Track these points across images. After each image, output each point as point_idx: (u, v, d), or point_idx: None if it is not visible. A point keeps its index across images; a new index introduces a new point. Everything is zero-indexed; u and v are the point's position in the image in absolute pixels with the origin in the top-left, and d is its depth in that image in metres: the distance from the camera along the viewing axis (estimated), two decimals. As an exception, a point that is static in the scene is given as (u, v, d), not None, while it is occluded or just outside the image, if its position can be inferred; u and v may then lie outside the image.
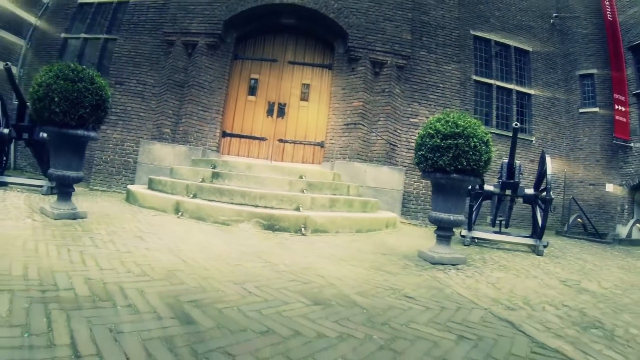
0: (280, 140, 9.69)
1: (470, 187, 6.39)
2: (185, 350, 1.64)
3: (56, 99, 4.08)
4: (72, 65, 4.32)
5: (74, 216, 4.51)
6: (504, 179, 6.61)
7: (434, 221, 4.48)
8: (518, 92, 12.64)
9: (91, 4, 12.63)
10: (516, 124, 5.90)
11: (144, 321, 1.87)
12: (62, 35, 12.40)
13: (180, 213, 5.73)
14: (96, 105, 4.37)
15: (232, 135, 9.79)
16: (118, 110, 9.62)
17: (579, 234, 10.82)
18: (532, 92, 12.68)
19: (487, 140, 4.29)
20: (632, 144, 11.84)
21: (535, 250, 6.08)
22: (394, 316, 2.42)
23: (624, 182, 11.93)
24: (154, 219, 5.33)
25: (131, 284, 2.38)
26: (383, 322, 2.30)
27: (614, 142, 11.93)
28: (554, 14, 13.33)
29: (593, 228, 10.85)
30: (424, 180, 8.99)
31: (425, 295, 2.98)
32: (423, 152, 4.32)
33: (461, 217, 4.42)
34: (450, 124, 4.21)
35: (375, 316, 2.38)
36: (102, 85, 4.46)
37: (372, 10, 9.51)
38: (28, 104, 6.86)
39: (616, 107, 11.85)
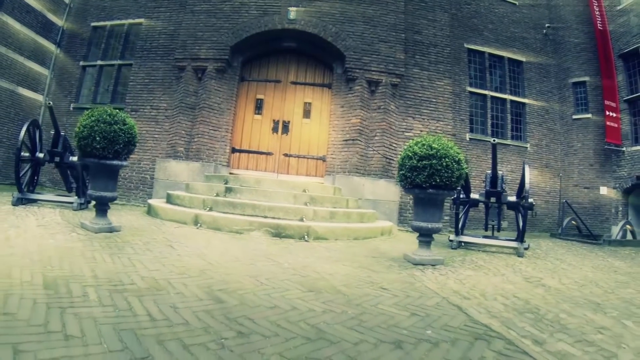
0: (286, 155, 10.74)
1: (455, 196, 7.37)
2: (221, 317, 2.62)
3: (97, 138, 5.17)
4: (108, 110, 5.46)
5: (111, 230, 5.53)
6: (487, 188, 7.57)
7: (416, 229, 5.45)
8: (512, 101, 13.58)
9: (104, 27, 13.81)
10: (494, 140, 6.85)
11: (191, 302, 2.86)
12: (81, 63, 13.72)
13: (199, 224, 6.77)
14: (128, 142, 5.48)
15: (240, 151, 10.86)
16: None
17: (573, 236, 11.64)
18: (526, 100, 13.60)
19: (459, 159, 5.22)
20: (624, 148, 12.69)
21: (517, 253, 6.95)
22: (367, 300, 3.37)
23: (617, 185, 12.78)
24: (176, 230, 6.36)
25: (175, 280, 3.36)
26: (357, 303, 3.25)
27: (606, 147, 12.76)
28: (547, 25, 14.24)
29: (587, 230, 11.70)
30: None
31: (398, 287, 3.93)
32: (403, 172, 5.30)
33: (438, 225, 5.37)
34: (425, 146, 5.17)
35: (352, 300, 3.34)
36: (132, 125, 5.58)
37: (367, 33, 10.52)
38: (62, 132, 8.05)
39: (607, 113, 12.71)
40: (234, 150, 10.89)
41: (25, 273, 3.11)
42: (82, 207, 7.89)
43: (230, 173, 10.50)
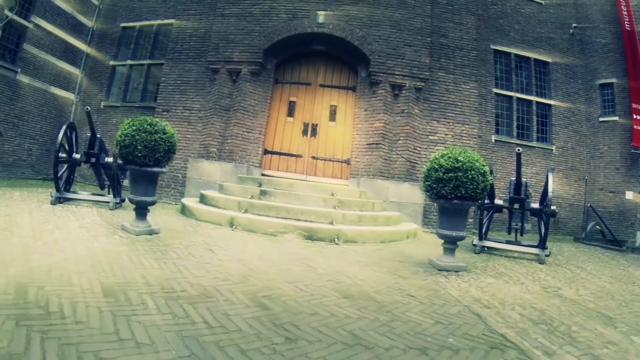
0: (313, 158, 11.17)
1: (480, 202, 7.67)
2: (269, 324, 3.00)
3: (139, 147, 5.59)
4: (148, 120, 5.87)
5: (151, 232, 5.96)
6: (511, 194, 7.86)
7: (441, 237, 5.79)
8: (538, 103, 13.70)
9: (133, 27, 14.34)
10: (519, 149, 7.13)
11: (240, 309, 3.25)
12: (111, 62, 14.35)
13: (234, 226, 7.25)
14: (168, 150, 5.91)
15: (272, 153, 11.31)
16: (167, 134, 11.24)
17: (597, 241, 11.77)
18: (552, 102, 13.71)
19: (484, 171, 5.52)
20: (651, 153, 12.76)
21: (538, 259, 7.21)
22: (397, 307, 3.73)
23: (643, 190, 12.84)
24: (213, 232, 6.82)
25: (222, 286, 3.76)
26: (388, 310, 3.62)
27: (633, 150, 12.82)
28: (574, 25, 14.26)
29: (611, 235, 11.81)
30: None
31: (424, 295, 4.27)
32: (429, 183, 5.64)
33: (463, 234, 5.70)
34: (451, 159, 5.48)
35: (383, 307, 3.70)
36: (172, 134, 6.00)
37: (393, 37, 10.83)
38: (98, 135, 8.54)
39: (635, 116, 12.76)
40: (266, 152, 11.33)
41: (83, 280, 3.49)
42: (117, 206, 8.41)
43: (262, 174, 10.97)
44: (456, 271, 5.61)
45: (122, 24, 14.56)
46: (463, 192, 5.39)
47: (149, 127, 5.75)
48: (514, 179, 7.88)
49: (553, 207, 7.39)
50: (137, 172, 5.85)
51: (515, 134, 13.39)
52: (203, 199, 9.01)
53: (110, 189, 9.40)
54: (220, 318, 3.01)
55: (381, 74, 10.69)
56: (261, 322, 3.03)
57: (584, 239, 11.89)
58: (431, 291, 4.45)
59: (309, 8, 10.94)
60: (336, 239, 7.02)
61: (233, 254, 5.24)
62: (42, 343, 2.33)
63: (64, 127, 8.10)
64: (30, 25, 12.50)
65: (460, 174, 5.37)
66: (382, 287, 4.41)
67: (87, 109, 8.34)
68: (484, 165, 5.58)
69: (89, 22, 14.64)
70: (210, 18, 11.68)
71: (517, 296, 4.60)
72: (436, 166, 5.57)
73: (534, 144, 13.41)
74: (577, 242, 11.65)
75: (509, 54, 13.68)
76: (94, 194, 8.83)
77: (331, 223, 7.55)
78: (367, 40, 10.75)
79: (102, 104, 14.24)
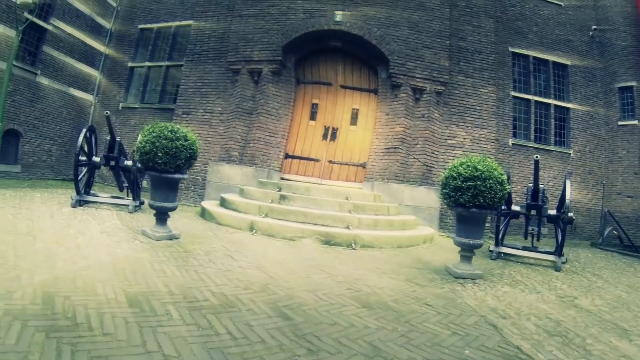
0: (330, 162, 11.31)
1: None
2: (291, 335, 3.13)
3: (160, 154, 5.70)
4: (169, 126, 5.98)
5: (171, 237, 6.11)
6: (528, 201, 7.91)
7: (458, 244, 5.88)
8: (556, 106, 13.64)
9: (151, 29, 14.57)
10: (537, 157, 7.28)
11: (262, 319, 3.38)
12: (129, 64, 14.60)
13: (254, 231, 7.41)
14: (189, 157, 6.03)
15: (293, 157, 11.48)
16: (187, 137, 11.43)
17: (614, 246, 11.70)
18: (570, 105, 13.64)
19: (502, 180, 5.59)
20: (670, 158, 12.67)
21: (554, 266, 7.25)
22: (414, 317, 3.84)
23: (662, 195, 12.75)
24: (232, 236, 7.00)
25: (243, 295, 3.89)
26: (406, 320, 3.72)
27: (652, 155, 12.76)
28: (593, 27, 14.14)
29: (629, 240, 11.75)
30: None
31: (441, 304, 4.37)
32: (447, 191, 5.72)
33: (480, 242, 5.78)
34: (470, 168, 5.55)
35: (401, 317, 3.81)
36: (193, 141, 6.12)
37: (412, 38, 10.87)
38: (118, 138, 8.72)
39: (654, 120, 12.69)
40: (287, 156, 11.49)
41: (108, 289, 3.62)
42: (136, 209, 8.59)
43: (282, 178, 11.13)
44: (473, 279, 5.69)
45: (140, 26, 14.83)
46: (481, 200, 5.46)
47: (169, 133, 5.86)
48: (531, 185, 7.95)
49: (570, 214, 7.38)
50: (158, 179, 5.96)
51: (532, 137, 13.38)
52: (223, 203, 9.17)
53: (129, 191, 9.63)
54: (244, 329, 3.14)
55: (401, 76, 10.76)
56: (283, 332, 3.15)
57: (601, 244, 11.86)
58: (448, 300, 4.54)
59: (326, 8, 11.03)
60: (353, 244, 7.14)
61: (253, 261, 5.37)
62: (73, 356, 2.44)
63: (84, 130, 8.29)
64: (50, 28, 12.82)
65: (478, 182, 5.44)
66: (400, 295, 4.52)
67: (106, 113, 8.51)
68: (502, 174, 5.64)
69: (107, 24, 14.94)
70: (228, 19, 11.83)
71: (533, 306, 4.67)
72: (455, 174, 5.65)
73: (552, 147, 13.37)
74: (594, 248, 11.63)
75: (527, 56, 13.64)
76: (113, 197, 8.99)
77: (347, 227, 7.67)
78: (385, 39, 10.81)
79: (121, 105, 14.53)
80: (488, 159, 5.84)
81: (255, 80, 11.28)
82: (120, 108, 14.50)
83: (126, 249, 5.20)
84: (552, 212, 7.82)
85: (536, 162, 7.26)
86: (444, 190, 5.82)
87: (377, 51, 10.98)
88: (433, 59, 10.87)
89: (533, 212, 7.99)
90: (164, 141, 5.76)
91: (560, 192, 7.88)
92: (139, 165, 6.32)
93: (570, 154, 13.46)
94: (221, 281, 4.27)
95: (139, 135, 6.13)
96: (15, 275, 3.65)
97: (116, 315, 3.10)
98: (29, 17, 10.33)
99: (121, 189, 10.13)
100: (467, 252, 5.88)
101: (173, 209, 6.23)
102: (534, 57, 13.71)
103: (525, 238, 9.60)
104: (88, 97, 14.68)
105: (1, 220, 5.96)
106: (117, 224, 6.88)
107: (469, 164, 5.66)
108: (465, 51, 11.43)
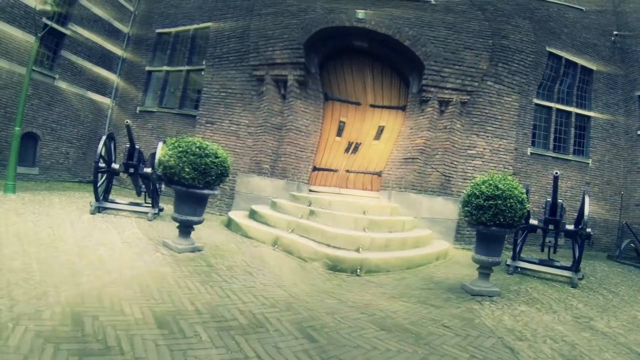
0: (347, 171, 11.57)
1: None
2: (318, 357, 3.36)
3: (187, 169, 5.89)
4: (197, 142, 6.15)
5: (194, 250, 6.36)
6: (547, 216, 8.06)
7: (477, 261, 6.08)
8: (577, 114, 13.67)
9: (169, 33, 14.88)
10: (556, 173, 7.41)
11: (289, 340, 3.61)
12: (147, 68, 14.99)
13: (276, 246, 7.66)
14: (220, 174, 6.26)
15: (319, 170, 11.74)
16: (214, 147, 11.67)
17: (631, 259, 11.75)
18: (592, 114, 13.66)
19: (523, 199, 5.78)
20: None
21: (571, 282, 7.40)
22: (433, 339, 4.05)
23: (681, 208, 12.77)
24: (255, 250, 7.28)
25: (270, 314, 4.13)
26: (425, 342, 3.94)
27: (670, 166, 12.78)
28: (615, 32, 14.14)
29: (646, 254, 11.87)
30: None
31: (458, 325, 4.57)
32: (469, 209, 5.92)
33: (498, 259, 5.98)
34: (492, 186, 5.74)
35: (420, 339, 4.03)
36: (224, 158, 6.31)
37: (451, 39, 10.82)
38: (137, 146, 8.99)
39: (673, 130, 12.71)
40: (315, 169, 11.71)
41: (135, 308, 3.81)
42: (155, 216, 8.86)
43: (310, 190, 11.33)
44: (490, 296, 5.89)
45: (158, 30, 15.18)
46: (502, 219, 5.66)
47: (197, 149, 6.02)
48: (549, 199, 8.09)
49: (588, 230, 7.51)
50: (185, 193, 6.14)
51: (551, 146, 13.43)
52: (253, 215, 9.42)
53: (146, 196, 9.91)
54: (272, 351, 3.35)
55: (432, 89, 10.74)
56: (310, 355, 3.38)
57: (618, 257, 11.91)
58: (465, 320, 4.74)
59: (348, 7, 10.97)
60: (358, 270, 7.01)
61: (273, 279, 5.61)
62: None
63: (104, 137, 8.57)
64: (68, 32, 13.20)
65: (499, 202, 5.62)
66: (416, 317, 4.72)
67: (126, 122, 8.79)
68: (522, 193, 5.83)
69: (124, 28, 15.33)
70: (247, 19, 11.91)
71: (549, 327, 4.85)
72: (477, 192, 5.83)
73: (570, 157, 13.42)
74: (611, 261, 11.71)
75: (560, 58, 13.55)
76: (132, 204, 9.25)
77: (357, 250, 7.52)
78: (420, 40, 10.74)
79: (138, 108, 14.90)
80: (509, 177, 6.04)
81: (282, 95, 11.38)
82: (137, 112, 14.88)
83: (149, 262, 5.44)
84: (570, 227, 7.95)
85: (555, 178, 7.41)
86: (466, 208, 6.01)
87: (410, 54, 10.89)
88: (473, 61, 10.80)
89: (551, 227, 8.16)
90: (191, 157, 5.93)
91: (579, 207, 7.99)
92: (163, 177, 6.42)
93: (589, 163, 13.51)
94: (247, 298, 4.52)
95: (161, 149, 6.29)
96: (43, 292, 3.85)
97: (146, 337, 3.26)
98: (48, 22, 10.61)
99: (139, 194, 10.50)
100: (486, 270, 6.09)
101: (199, 222, 6.46)
102: (567, 60, 13.63)
103: (542, 250, 9.75)
104: (105, 101, 15.08)
105: (23, 229, 6.23)
106: (137, 233, 7.14)
107: (491, 182, 5.84)
108: (507, 50, 11.33)
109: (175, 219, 6.36)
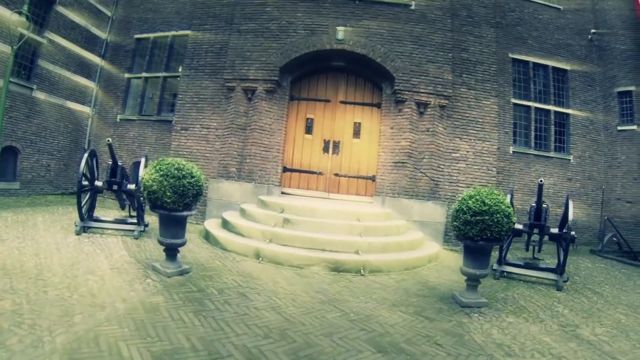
0: (336, 175, 11.67)
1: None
2: (315, 393, 3.44)
3: (168, 193, 5.91)
4: (175, 164, 6.15)
5: (182, 272, 6.37)
6: (531, 221, 8.27)
7: (465, 274, 6.21)
8: (556, 112, 13.96)
9: (147, 39, 14.78)
10: (541, 180, 7.71)
11: (287, 375, 3.69)
12: (126, 75, 14.84)
13: (260, 258, 7.72)
14: (196, 193, 6.28)
15: (292, 170, 11.78)
16: (185, 153, 11.69)
17: (613, 253, 12.15)
18: (570, 111, 13.96)
19: (509, 213, 5.91)
20: (670, 163, 13.02)
21: (556, 285, 7.59)
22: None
23: (662, 201, 13.10)
24: (240, 265, 7.35)
25: (265, 347, 4.16)
26: (420, 368, 4.06)
27: (651, 160, 13.10)
28: (592, 30, 14.40)
29: (628, 247, 12.16)
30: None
31: (450, 343, 4.67)
32: (457, 224, 6.06)
33: (486, 272, 6.12)
34: (479, 202, 5.86)
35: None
36: (199, 177, 6.33)
37: (415, 53, 11.15)
38: (120, 163, 8.93)
39: (654, 125, 13.00)
40: (285, 170, 11.78)
41: (133, 350, 3.76)
42: (141, 234, 8.86)
43: (282, 192, 11.48)
44: (479, 307, 6.03)
45: (136, 36, 15.00)
46: (489, 234, 5.80)
47: (176, 171, 6.03)
48: (534, 204, 8.30)
49: (572, 233, 7.69)
50: (167, 217, 6.17)
51: (533, 144, 13.72)
52: (226, 225, 9.43)
53: (130, 208, 9.96)
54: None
55: (406, 92, 11.02)
56: (309, 392, 3.45)
57: (600, 252, 12.22)
58: (456, 337, 4.85)
59: (327, 23, 11.24)
60: (362, 270, 7.48)
61: (267, 299, 5.65)
62: None
63: (85, 155, 8.46)
64: (45, 41, 12.96)
65: (486, 217, 5.75)
66: (411, 334, 4.83)
67: (108, 140, 8.70)
68: (509, 207, 5.97)
69: (102, 34, 15.09)
70: (226, 33, 11.95)
71: (537, 339, 5.00)
72: (464, 208, 5.95)
73: (552, 154, 13.71)
74: (594, 255, 12.02)
75: (527, 62, 13.90)
76: (117, 221, 9.20)
77: (357, 252, 7.96)
78: (389, 57, 11.06)
79: (119, 117, 14.78)
80: (495, 191, 6.16)
81: (248, 98, 11.52)
82: (118, 120, 14.76)
83: (140, 292, 5.42)
84: (555, 230, 8.13)
85: (540, 186, 7.70)
86: (455, 223, 6.14)
87: (382, 69, 11.24)
88: (437, 72, 11.13)
89: (536, 231, 8.37)
90: (171, 180, 5.95)
91: (563, 211, 8.17)
92: (148, 203, 6.42)
93: (570, 160, 13.82)
94: (241, 329, 4.53)
95: (144, 168, 6.27)
96: (37, 337, 3.79)
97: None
98: (25, 32, 10.44)
99: (123, 207, 10.51)
100: (474, 282, 6.21)
101: (182, 244, 6.47)
102: (534, 63, 13.98)
103: (527, 250, 9.98)
104: (85, 110, 14.86)
105: (9, 259, 6.15)
106: (125, 257, 7.10)
107: (477, 197, 5.96)
108: (467, 63, 11.68)
109: (161, 243, 6.35)
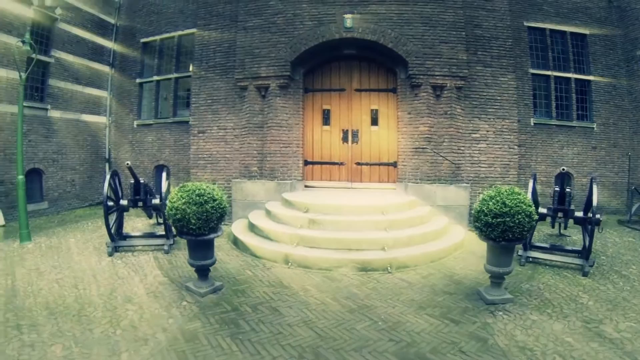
0: (358, 164, 12.10)
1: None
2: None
3: (192, 220, 6.33)
4: (196, 190, 6.52)
5: (215, 290, 6.85)
6: (555, 205, 8.60)
7: (489, 271, 6.54)
8: (577, 80, 13.93)
9: (154, 41, 15.25)
10: (563, 169, 8.25)
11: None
12: (137, 80, 15.40)
13: (289, 264, 8.20)
14: (220, 216, 6.69)
15: (313, 163, 12.29)
16: (205, 155, 12.30)
17: (642, 223, 12.20)
18: (591, 78, 13.91)
19: (530, 212, 6.16)
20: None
21: (582, 271, 7.82)
22: (452, 372, 4.60)
23: (692, 165, 13.11)
24: (270, 273, 7.83)
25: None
26: (446, 382, 4.47)
27: (679, 122, 13.05)
28: (611, -10, 14.22)
29: (658, 216, 12.25)
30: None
31: (474, 349, 5.03)
32: (479, 225, 6.36)
33: (509, 269, 6.42)
34: (499, 203, 6.11)
35: (441, 376, 4.57)
36: (221, 199, 6.72)
37: (427, 35, 11.21)
38: (142, 180, 9.45)
39: (678, 86, 12.91)
40: (306, 163, 12.26)
41: None
42: (171, 247, 9.36)
43: (306, 186, 12.01)
44: (503, 303, 6.38)
45: (143, 40, 15.44)
46: (510, 236, 6.10)
47: (198, 198, 6.41)
48: (557, 188, 8.57)
49: (597, 216, 7.90)
50: (195, 242, 6.62)
51: (554, 114, 13.77)
52: (253, 228, 9.91)
53: (158, 217, 10.84)
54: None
55: (421, 76, 11.17)
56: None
57: (628, 222, 12.32)
58: (481, 342, 5.21)
59: (334, 11, 11.32)
60: (389, 267, 7.90)
61: (299, 313, 6.08)
62: None
63: (108, 177, 9.00)
64: (52, 60, 13.55)
65: (507, 219, 6.01)
66: (437, 341, 5.22)
67: (127, 164, 9.31)
68: (530, 206, 6.20)
69: (108, 43, 15.59)
70: (232, 31, 12.26)
71: (559, 339, 5.28)
72: (485, 210, 6.22)
73: (574, 123, 13.76)
74: (621, 227, 12.11)
75: (543, 29, 13.84)
76: (146, 235, 9.90)
77: (383, 249, 8.35)
78: (401, 41, 11.20)
79: (135, 123, 15.39)
80: (516, 190, 6.40)
81: (262, 95, 11.86)
82: (135, 126, 15.38)
83: (178, 317, 5.87)
84: (579, 214, 8.39)
85: (562, 174, 8.21)
86: (476, 224, 6.45)
87: (394, 54, 11.37)
88: (451, 53, 11.20)
89: (560, 215, 8.65)
90: (194, 207, 6.33)
91: (587, 195, 8.39)
92: (175, 229, 6.88)
93: (593, 127, 13.85)
94: (276, 351, 4.96)
95: (169, 198, 6.68)
96: None
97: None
98: (33, 55, 10.83)
99: (150, 216, 11.25)
100: (497, 279, 6.55)
101: (212, 264, 6.91)
102: (551, 30, 13.89)
103: (553, 227, 10.29)
104: (101, 120, 15.52)
105: (50, 295, 6.66)
106: (158, 276, 7.62)
107: (498, 198, 6.20)
108: (481, 39, 11.70)
109: (192, 265, 6.82)
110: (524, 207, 6.13)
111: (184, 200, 6.41)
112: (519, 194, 6.32)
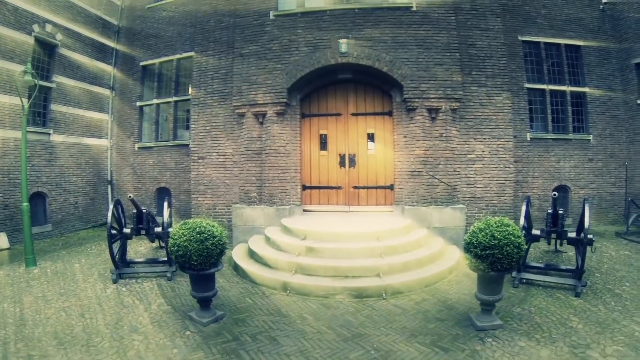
0: (355, 187, 12.42)
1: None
2: None
3: (194, 257, 6.70)
4: (197, 227, 6.89)
5: (217, 319, 7.18)
6: (548, 228, 8.89)
7: (479, 299, 6.83)
8: (572, 92, 14.23)
9: (153, 64, 15.68)
10: (554, 194, 8.44)
11: None
12: (137, 103, 15.87)
13: (288, 291, 8.50)
14: (220, 252, 7.05)
15: (311, 188, 12.63)
16: (205, 181, 12.67)
17: (639, 235, 12.36)
18: (586, 90, 14.21)
19: (519, 243, 6.44)
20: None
21: (574, 291, 8.09)
22: (440, 410, 4.90)
23: (688, 175, 13.34)
24: (270, 301, 8.13)
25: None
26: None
27: (674, 132, 13.30)
28: (604, 0, 14.49)
29: (655, 228, 12.49)
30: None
31: (463, 381, 5.40)
32: (469, 256, 6.66)
33: (498, 297, 6.72)
34: (488, 236, 6.40)
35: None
36: (221, 235, 7.07)
37: (422, 57, 11.50)
38: (144, 210, 9.85)
39: (674, 96, 13.15)
40: (304, 188, 12.64)
41: None
42: (174, 274, 9.69)
43: (304, 210, 12.36)
44: (493, 329, 6.65)
45: (142, 63, 15.93)
46: (499, 267, 6.40)
47: (198, 235, 6.77)
48: (550, 210, 8.84)
49: (590, 236, 8.12)
50: (197, 276, 7.00)
51: (550, 128, 14.08)
52: (253, 255, 10.23)
53: (160, 241, 11.30)
54: None
55: (416, 100, 11.48)
56: None
57: (626, 234, 12.53)
58: (470, 372, 5.56)
59: (329, 37, 11.66)
60: (384, 294, 8.19)
61: (296, 342, 6.37)
62: None
63: (111, 206, 9.53)
64: (53, 85, 14.01)
65: (496, 251, 6.30)
66: (429, 373, 5.54)
67: (130, 196, 9.71)
68: (519, 237, 6.48)
69: (108, 68, 16.10)
70: (229, 57, 12.66)
71: (546, 367, 5.58)
72: (475, 242, 6.52)
73: (570, 136, 14.04)
74: (619, 239, 12.34)
75: (538, 43, 14.15)
76: (149, 261, 10.31)
77: (378, 276, 8.66)
78: (395, 64, 11.52)
79: (136, 145, 15.84)
80: (505, 221, 6.67)
81: (260, 122, 12.23)
82: (136, 149, 15.84)
83: (182, 348, 6.19)
84: (572, 234, 8.69)
85: (554, 199, 8.47)
86: (466, 254, 6.74)
87: (389, 78, 11.69)
88: (446, 75, 11.49)
89: (553, 236, 8.99)
90: (195, 244, 6.70)
91: (579, 216, 8.67)
92: (177, 264, 7.34)
93: (590, 139, 14.13)
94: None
95: (171, 238, 7.07)
96: None
97: None
98: (35, 81, 11.18)
99: (152, 240, 11.55)
100: (488, 307, 6.85)
101: (214, 295, 7.28)
102: (545, 43, 14.20)
103: (549, 244, 10.47)
104: (103, 143, 16.02)
105: (58, 325, 6.99)
106: (162, 305, 7.98)
107: (487, 231, 6.48)
108: (476, 58, 12.00)
109: (194, 297, 7.20)
110: (513, 238, 6.40)
111: (185, 238, 6.79)
112: (508, 226, 6.58)
